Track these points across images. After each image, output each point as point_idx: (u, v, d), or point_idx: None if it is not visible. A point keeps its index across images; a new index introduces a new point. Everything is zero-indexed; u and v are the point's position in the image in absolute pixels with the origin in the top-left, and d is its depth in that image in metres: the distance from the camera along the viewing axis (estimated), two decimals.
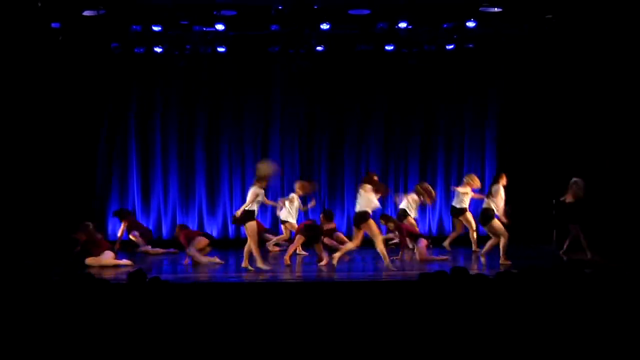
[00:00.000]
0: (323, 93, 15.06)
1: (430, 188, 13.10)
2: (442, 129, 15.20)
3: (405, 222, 12.94)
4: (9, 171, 12.78)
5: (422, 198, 13.09)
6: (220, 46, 13.84)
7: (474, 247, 13.24)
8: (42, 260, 11.69)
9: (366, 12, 12.84)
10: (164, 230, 14.90)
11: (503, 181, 11.92)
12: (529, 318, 5.68)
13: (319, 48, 13.98)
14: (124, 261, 11.87)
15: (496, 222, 11.63)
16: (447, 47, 14.06)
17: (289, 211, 13.14)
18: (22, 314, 5.84)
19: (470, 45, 14.16)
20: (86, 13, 12.29)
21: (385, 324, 5.80)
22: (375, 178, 11.75)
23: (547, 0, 12.19)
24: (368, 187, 11.01)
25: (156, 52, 13.85)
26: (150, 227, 14.61)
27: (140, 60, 14.42)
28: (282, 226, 13.41)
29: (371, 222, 10.99)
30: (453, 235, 13.75)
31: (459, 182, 15.06)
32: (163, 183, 15.00)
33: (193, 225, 14.72)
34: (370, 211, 10.98)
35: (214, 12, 12.58)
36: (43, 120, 13.60)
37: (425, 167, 15.24)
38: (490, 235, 11.89)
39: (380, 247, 11.02)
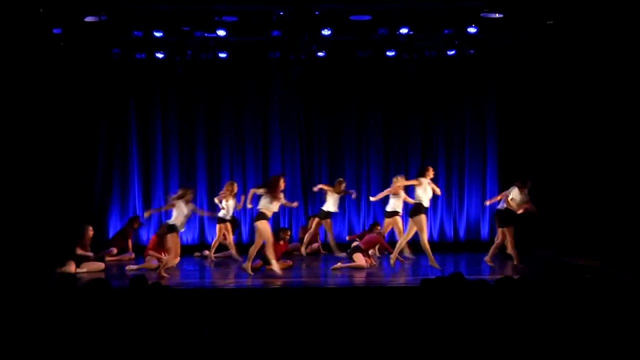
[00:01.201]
0: (324, 98, 15.13)
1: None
2: (443, 134, 15.24)
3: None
4: (10, 175, 12.79)
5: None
6: (222, 52, 13.88)
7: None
8: (42, 264, 11.71)
9: (367, 18, 12.86)
10: None
11: (429, 175, 11.74)
12: (530, 324, 5.68)
13: (320, 54, 14.00)
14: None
15: (421, 218, 11.47)
16: (448, 52, 14.09)
17: (225, 213, 13.34)
18: (22, 317, 5.85)
19: (471, 51, 14.18)
20: (88, 19, 12.32)
21: (388, 329, 5.81)
22: (282, 181, 11.57)
23: (548, 6, 12.20)
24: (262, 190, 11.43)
25: (157, 57, 13.89)
26: (152, 232, 14.65)
27: (142, 65, 14.48)
28: (218, 226, 13.46)
29: (263, 223, 11.20)
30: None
31: (461, 187, 15.11)
32: (164, 187, 15.04)
33: (194, 231, 14.81)
34: (264, 212, 11.21)
35: (216, 18, 12.61)
36: (44, 125, 13.62)
37: None
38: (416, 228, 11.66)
39: (251, 250, 11.34)
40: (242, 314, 7.48)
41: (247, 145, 15.19)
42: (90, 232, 12.60)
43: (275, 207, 11.35)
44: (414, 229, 11.67)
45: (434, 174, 11.90)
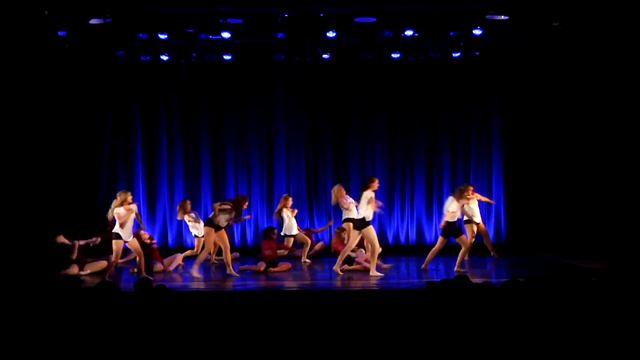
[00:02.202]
0: (328, 100, 15.10)
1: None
2: (448, 136, 15.18)
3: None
4: (15, 179, 12.80)
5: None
6: (226, 54, 13.86)
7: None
8: (46, 267, 11.71)
9: (372, 20, 12.84)
10: (170, 239, 14.90)
11: (374, 186, 11.52)
12: (536, 326, 5.65)
13: (325, 56, 13.97)
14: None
15: (370, 230, 11.31)
16: (453, 54, 14.04)
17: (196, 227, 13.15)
18: (25, 319, 5.84)
19: (477, 53, 14.13)
20: (92, 21, 12.32)
21: (393, 331, 5.78)
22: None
23: (554, 8, 12.16)
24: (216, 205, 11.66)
25: (162, 59, 13.88)
26: (157, 236, 14.67)
27: (146, 68, 14.46)
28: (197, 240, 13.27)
29: (209, 230, 11.41)
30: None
31: None
32: (169, 191, 15.04)
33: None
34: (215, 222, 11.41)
35: (220, 20, 12.60)
36: (49, 127, 13.63)
37: (431, 173, 15.23)
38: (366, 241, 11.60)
39: (200, 256, 11.57)
40: (246, 316, 7.46)
41: (252, 147, 15.17)
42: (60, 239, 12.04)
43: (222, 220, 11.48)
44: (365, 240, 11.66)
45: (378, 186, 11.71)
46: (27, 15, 11.77)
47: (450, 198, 11.94)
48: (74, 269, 11.72)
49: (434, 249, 11.96)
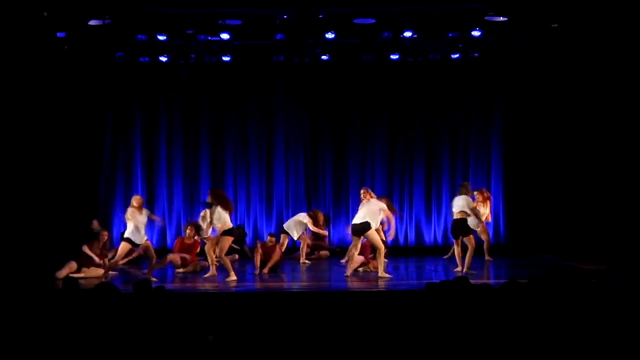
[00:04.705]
0: (328, 102, 15.11)
1: None
2: (448, 137, 15.19)
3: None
4: (15, 179, 12.78)
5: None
6: (225, 55, 13.87)
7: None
8: (45, 268, 11.70)
9: (371, 21, 12.85)
10: (169, 240, 14.88)
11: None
12: (535, 328, 5.65)
13: (324, 57, 13.99)
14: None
15: (373, 233, 11.21)
16: (452, 56, 14.05)
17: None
18: (23, 319, 5.84)
19: (476, 54, 14.13)
20: (92, 22, 12.32)
21: (392, 333, 5.78)
22: (222, 194, 11.64)
23: (553, 9, 12.16)
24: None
25: (161, 61, 13.89)
26: (155, 237, 14.66)
27: (146, 69, 14.47)
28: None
29: (221, 238, 11.23)
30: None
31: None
32: (168, 192, 15.04)
33: None
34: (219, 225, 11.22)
35: (219, 22, 12.60)
36: (49, 128, 13.60)
37: (430, 175, 15.23)
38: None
39: (225, 261, 11.25)
40: (246, 317, 7.46)
41: (251, 148, 15.18)
42: (105, 237, 12.30)
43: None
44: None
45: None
46: (26, 16, 11.75)
47: (457, 197, 11.65)
48: (72, 266, 11.64)
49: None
